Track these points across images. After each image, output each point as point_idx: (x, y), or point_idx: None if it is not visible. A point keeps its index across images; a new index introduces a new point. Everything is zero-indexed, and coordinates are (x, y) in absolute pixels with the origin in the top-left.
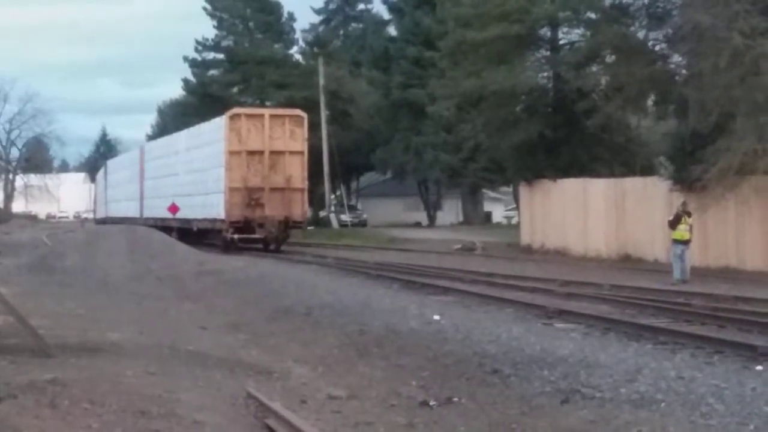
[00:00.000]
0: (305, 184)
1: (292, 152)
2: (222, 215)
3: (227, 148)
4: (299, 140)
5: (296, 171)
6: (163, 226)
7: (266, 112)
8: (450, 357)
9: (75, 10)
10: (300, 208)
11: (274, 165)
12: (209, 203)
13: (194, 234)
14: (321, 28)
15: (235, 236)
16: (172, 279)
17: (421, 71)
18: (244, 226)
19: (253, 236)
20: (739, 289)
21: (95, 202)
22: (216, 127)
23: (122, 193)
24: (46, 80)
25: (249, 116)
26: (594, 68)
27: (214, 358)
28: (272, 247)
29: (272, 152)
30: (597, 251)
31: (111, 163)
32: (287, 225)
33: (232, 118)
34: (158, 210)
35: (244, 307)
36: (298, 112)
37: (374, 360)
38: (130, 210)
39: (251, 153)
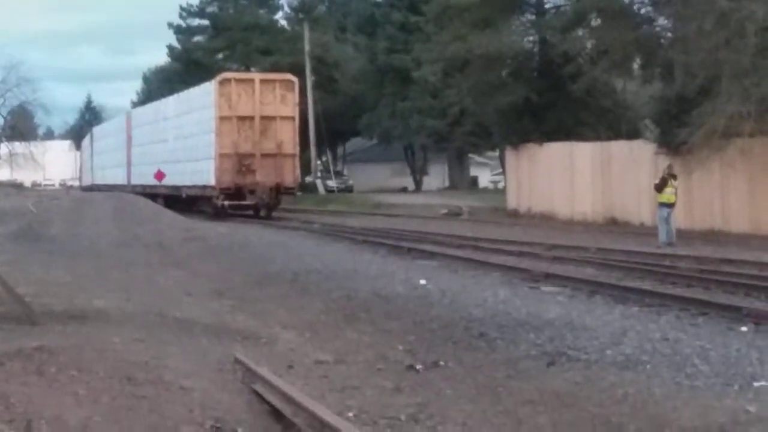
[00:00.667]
0: (296, 150)
1: (282, 117)
2: (212, 182)
3: (217, 113)
4: (290, 105)
5: (287, 136)
6: (151, 193)
7: (256, 76)
8: (436, 321)
9: None
10: (291, 174)
11: (265, 130)
12: (199, 170)
13: (183, 201)
14: None
15: (226, 203)
16: (158, 246)
17: (406, 36)
18: (234, 192)
19: (243, 203)
20: (725, 251)
21: (81, 170)
22: (205, 93)
23: (109, 160)
24: (31, 48)
25: (239, 81)
26: (580, 32)
27: (201, 324)
28: (263, 213)
29: (263, 117)
30: (583, 215)
31: (97, 129)
32: (278, 191)
33: (222, 83)
34: (146, 177)
35: (231, 273)
36: (288, 76)
37: (361, 325)
38: (118, 177)
39: (241, 118)
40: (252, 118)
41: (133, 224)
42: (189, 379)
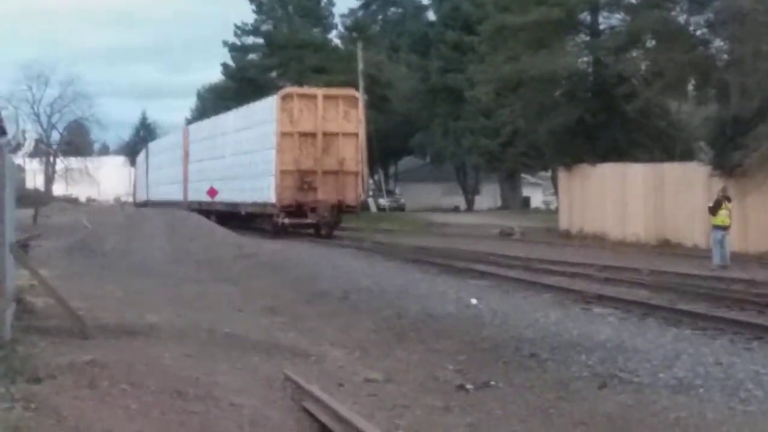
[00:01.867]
0: (359, 167)
1: (345, 134)
2: (272, 199)
3: (278, 129)
4: (353, 121)
5: (350, 153)
6: (207, 210)
7: (319, 92)
8: (487, 341)
9: None
10: (354, 192)
11: (327, 147)
12: (259, 186)
13: (242, 218)
14: (360, 13)
15: (286, 221)
16: (210, 262)
17: (459, 56)
18: (295, 210)
19: (305, 221)
20: None
21: (135, 186)
22: (267, 108)
23: (165, 176)
24: (87, 64)
25: (301, 96)
26: (634, 53)
27: (251, 340)
28: (323, 232)
29: (325, 134)
30: (635, 236)
31: (153, 145)
32: (340, 209)
33: (284, 98)
34: (203, 193)
35: (281, 290)
36: (352, 92)
37: (411, 344)
38: (173, 193)
39: (303, 134)
40: (314, 135)
41: (185, 240)
42: (239, 395)
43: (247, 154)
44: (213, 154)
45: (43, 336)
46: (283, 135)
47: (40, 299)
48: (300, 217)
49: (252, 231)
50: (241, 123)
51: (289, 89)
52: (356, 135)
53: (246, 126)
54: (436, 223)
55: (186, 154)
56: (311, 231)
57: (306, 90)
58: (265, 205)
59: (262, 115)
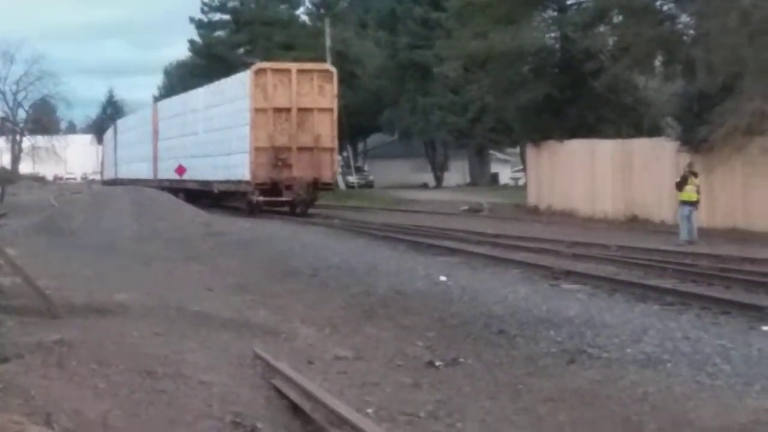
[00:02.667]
0: (335, 144)
1: (320, 109)
2: (247, 176)
3: (252, 105)
4: (328, 96)
5: (325, 129)
6: (178, 188)
7: (293, 66)
8: (456, 318)
9: None
10: (330, 169)
11: (302, 123)
12: (232, 164)
13: (215, 197)
14: None
15: (261, 199)
16: (178, 240)
17: (427, 32)
18: (270, 188)
19: (280, 199)
20: (746, 250)
21: (103, 164)
22: (240, 83)
23: (134, 153)
24: (53, 42)
25: (275, 71)
26: (601, 28)
27: (221, 318)
28: (299, 210)
29: (300, 109)
30: (604, 212)
31: (121, 122)
32: (316, 187)
33: (257, 73)
34: (174, 171)
35: (251, 268)
36: (327, 66)
37: (380, 321)
38: (143, 171)
39: (278, 110)
40: (289, 110)
41: (153, 219)
42: (208, 373)
43: (220, 131)
44: (184, 131)
45: (11, 315)
46: (257, 111)
47: (7, 278)
48: (275, 195)
49: (224, 209)
50: (212, 99)
51: (263, 64)
52: (331, 110)
53: (218, 102)
54: (405, 199)
55: (155, 132)
56: (286, 209)
57: (280, 64)
58: (239, 182)
59: (235, 91)
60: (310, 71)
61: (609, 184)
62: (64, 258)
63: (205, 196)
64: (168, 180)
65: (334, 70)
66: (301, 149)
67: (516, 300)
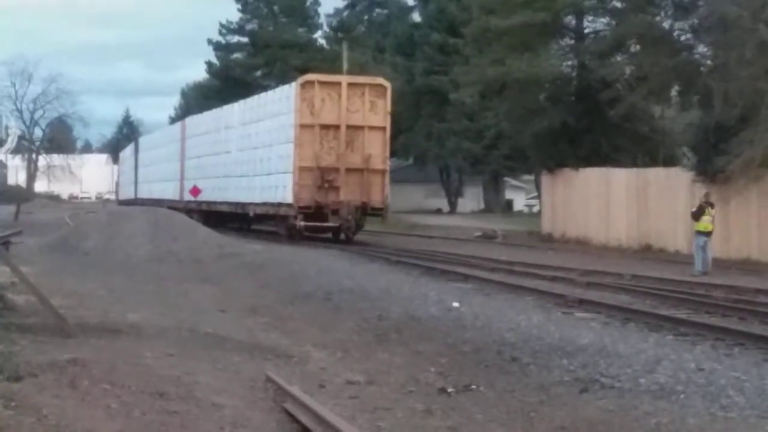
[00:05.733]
0: (387, 165)
1: (372, 127)
2: (289, 199)
3: (297, 120)
4: (381, 113)
5: (376, 149)
6: (207, 210)
7: (344, 79)
8: (469, 344)
9: None
10: (380, 193)
11: (352, 142)
12: (271, 185)
13: (249, 220)
14: (345, 13)
15: (303, 224)
16: (192, 261)
17: (444, 58)
18: (314, 212)
19: (325, 225)
20: (761, 282)
21: (118, 183)
22: (283, 97)
23: (157, 172)
24: (70, 62)
25: (323, 84)
26: (618, 58)
27: (234, 340)
28: (343, 236)
29: (349, 126)
30: (618, 241)
31: (144, 140)
32: (365, 212)
33: (304, 85)
34: (203, 192)
35: (264, 290)
36: (380, 80)
37: (393, 346)
38: (167, 192)
39: (325, 127)
40: (337, 127)
41: (168, 239)
42: (220, 395)
43: (258, 149)
44: (216, 149)
45: (24, 334)
46: (303, 127)
47: (22, 297)
48: (319, 220)
49: (257, 234)
50: (250, 115)
51: (310, 76)
52: (384, 129)
53: (257, 118)
54: (419, 225)
55: (183, 149)
56: (329, 235)
57: (329, 77)
58: (279, 205)
59: (278, 106)
60: (362, 85)
61: (624, 212)
62: (78, 277)
63: (239, 219)
64: (195, 201)
65: (388, 84)
66: (349, 170)
67: (529, 327)
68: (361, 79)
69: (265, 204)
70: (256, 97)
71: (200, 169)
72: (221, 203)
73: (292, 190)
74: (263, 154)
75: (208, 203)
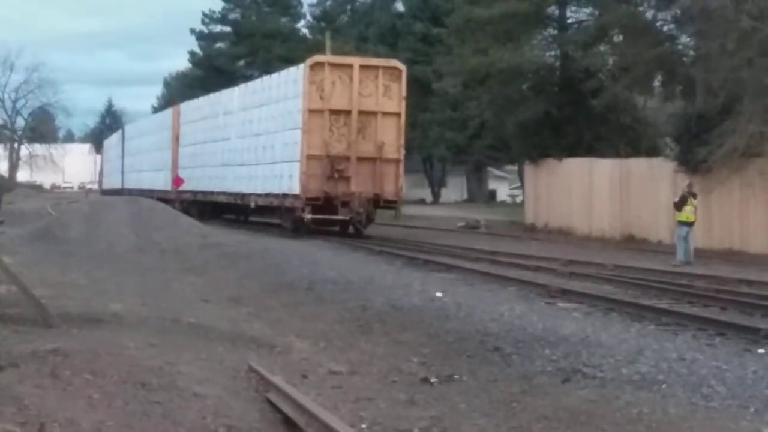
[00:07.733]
0: (401, 154)
1: (385, 113)
2: (295, 189)
3: (306, 105)
4: (395, 98)
5: (390, 137)
6: (203, 201)
7: (356, 61)
8: (452, 334)
9: None
10: (394, 184)
11: (364, 128)
12: (276, 174)
13: (250, 211)
14: (328, 3)
15: (311, 216)
16: (175, 251)
17: (427, 48)
18: (323, 204)
19: (334, 217)
20: (743, 272)
21: (101, 173)
22: (290, 80)
23: (146, 161)
24: (53, 50)
25: (334, 66)
26: (601, 48)
27: (216, 330)
28: (352, 230)
29: (361, 112)
30: (601, 231)
31: (130, 128)
32: (377, 204)
33: (313, 67)
34: (199, 182)
35: (247, 280)
36: (395, 63)
37: (376, 336)
38: (158, 182)
39: (335, 112)
40: (348, 113)
41: (150, 229)
42: (202, 385)
43: (261, 136)
44: (213, 137)
45: (5, 324)
46: (311, 112)
47: (3, 287)
48: (328, 213)
49: (259, 227)
50: (252, 99)
51: (319, 57)
52: (398, 115)
53: (259, 102)
54: (402, 215)
55: (176, 137)
56: (336, 228)
57: (339, 59)
58: (284, 196)
59: (284, 89)
60: (375, 68)
61: (606, 203)
62: (60, 267)
63: (238, 211)
64: (190, 191)
65: (403, 67)
66: (361, 159)
67: (512, 318)
68: (374, 61)
69: (268, 195)
70: (259, 80)
71: (195, 158)
72: (219, 193)
73: (299, 179)
74: (266, 141)
75: (204, 193)
